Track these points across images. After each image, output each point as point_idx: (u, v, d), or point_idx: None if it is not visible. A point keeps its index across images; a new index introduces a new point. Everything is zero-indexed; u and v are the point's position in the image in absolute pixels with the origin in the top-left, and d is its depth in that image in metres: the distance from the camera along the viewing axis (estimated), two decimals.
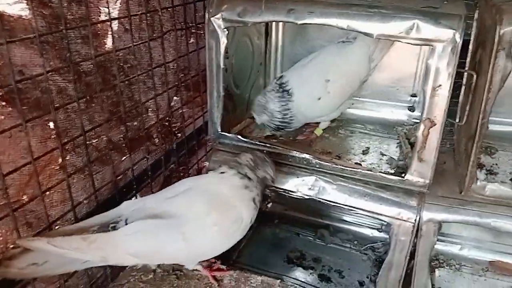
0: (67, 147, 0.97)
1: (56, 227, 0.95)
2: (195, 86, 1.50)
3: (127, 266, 1.04)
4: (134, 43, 1.10)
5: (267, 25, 1.63)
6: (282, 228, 1.80)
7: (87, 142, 1.02)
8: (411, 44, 1.06)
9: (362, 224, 1.77)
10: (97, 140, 1.05)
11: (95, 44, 1.06)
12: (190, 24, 1.40)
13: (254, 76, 1.62)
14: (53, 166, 0.93)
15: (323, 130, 1.49)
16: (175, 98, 1.48)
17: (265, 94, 1.38)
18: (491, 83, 1.00)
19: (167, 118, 1.44)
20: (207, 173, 1.12)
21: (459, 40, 1.00)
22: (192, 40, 1.50)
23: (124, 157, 1.17)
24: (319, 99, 1.36)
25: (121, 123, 1.17)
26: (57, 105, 0.90)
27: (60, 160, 0.91)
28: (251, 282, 1.00)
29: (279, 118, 1.37)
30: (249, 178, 1.00)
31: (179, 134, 1.50)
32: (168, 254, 0.92)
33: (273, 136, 1.50)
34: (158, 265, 1.05)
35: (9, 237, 0.85)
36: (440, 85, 1.04)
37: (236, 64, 1.45)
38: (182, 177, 1.51)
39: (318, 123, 1.50)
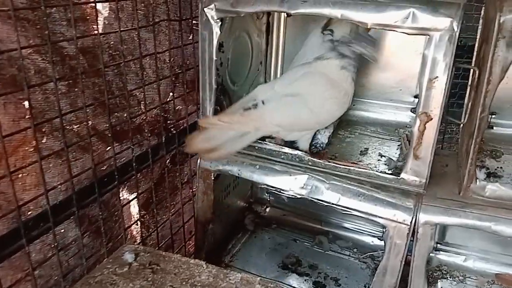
0: (44, 130, 0.94)
1: (29, 212, 0.92)
2: (192, 83, 1.47)
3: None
4: (122, 29, 1.07)
5: (268, 23, 1.60)
6: (280, 233, 1.76)
7: (68, 127, 0.99)
8: (407, 34, 1.00)
9: (363, 232, 1.71)
10: (78, 126, 1.02)
11: (82, 28, 1.04)
12: (185, 17, 1.37)
13: (253, 75, 1.59)
14: (27, 148, 0.90)
15: None
16: (171, 94, 1.46)
17: None
18: (490, 74, 0.94)
19: (162, 114, 1.41)
20: None
21: (456, 29, 0.95)
22: (191, 37, 1.48)
23: (109, 147, 1.14)
24: None
25: (109, 112, 1.15)
26: (33, 83, 0.87)
27: (34, 142, 0.88)
28: (229, 279, 0.94)
29: None
30: (344, 55, 1.21)
31: (174, 131, 1.47)
32: (301, 123, 1.22)
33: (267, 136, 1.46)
34: (135, 259, 1.01)
35: None
36: (436, 77, 0.98)
37: (233, 60, 1.42)
38: (179, 174, 1.48)
39: None
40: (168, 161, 1.45)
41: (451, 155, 1.40)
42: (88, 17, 1.05)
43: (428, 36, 0.98)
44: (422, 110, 1.02)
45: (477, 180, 1.05)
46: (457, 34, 0.95)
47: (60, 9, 0.95)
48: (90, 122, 1.06)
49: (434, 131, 1.03)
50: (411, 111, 1.51)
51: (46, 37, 0.90)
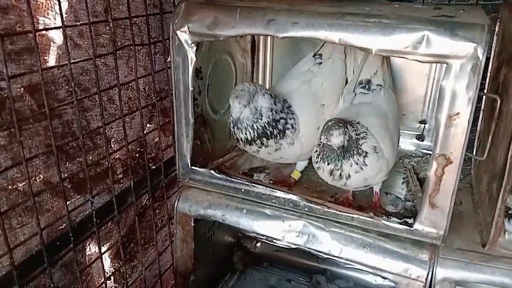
0: None
1: None
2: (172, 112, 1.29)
3: None
4: (72, 62, 0.89)
5: (253, 42, 1.43)
6: (272, 273, 1.59)
7: (9, 187, 0.81)
8: (420, 61, 0.84)
9: (364, 270, 1.53)
10: (24, 183, 0.83)
11: (28, 62, 0.86)
12: (160, 39, 1.19)
13: None
14: None
15: (301, 172, 1.26)
16: (148, 125, 1.28)
17: (260, 90, 1.04)
18: None
19: (138, 149, 1.23)
20: None
21: (481, 56, 0.78)
22: (169, 59, 1.30)
23: (68, 202, 0.95)
24: (318, 129, 1.07)
25: (68, 158, 0.97)
26: None
27: None
28: None
29: (267, 118, 1.03)
30: None
31: (153, 167, 1.29)
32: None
33: (256, 169, 1.29)
34: None
35: None
36: (458, 113, 0.82)
37: (213, 86, 1.24)
38: (154, 218, 1.30)
39: None
40: (144, 202, 1.27)
41: (463, 189, 1.24)
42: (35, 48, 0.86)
43: (446, 65, 0.81)
44: (440, 152, 0.85)
45: (506, 233, 0.89)
46: (483, 62, 0.79)
47: None
48: (41, 176, 0.88)
49: (454, 177, 0.86)
50: (416, 138, 1.35)
51: None
